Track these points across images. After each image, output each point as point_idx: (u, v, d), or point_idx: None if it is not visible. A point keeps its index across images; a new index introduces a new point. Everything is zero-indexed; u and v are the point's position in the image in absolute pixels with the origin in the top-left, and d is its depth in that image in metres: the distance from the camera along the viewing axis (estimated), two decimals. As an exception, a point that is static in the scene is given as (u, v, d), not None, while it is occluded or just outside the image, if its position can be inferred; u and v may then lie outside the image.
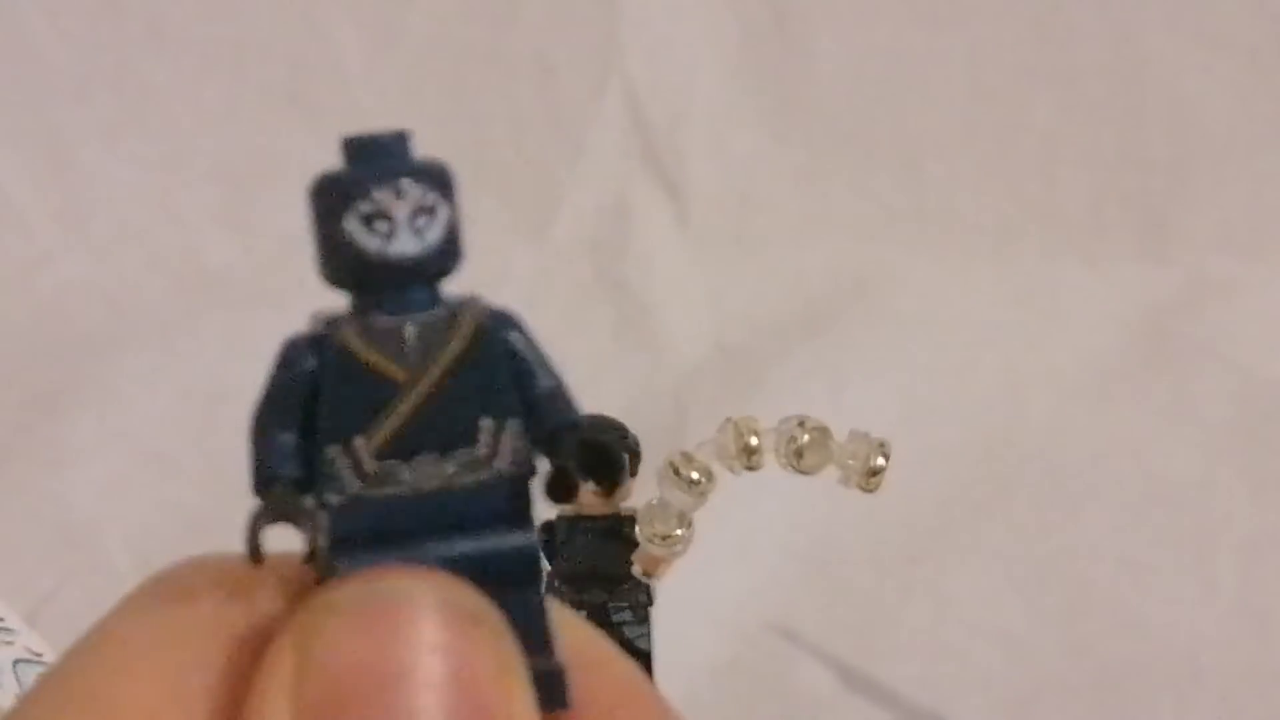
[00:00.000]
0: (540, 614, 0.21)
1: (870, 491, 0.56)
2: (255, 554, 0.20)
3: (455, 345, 0.21)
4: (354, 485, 0.21)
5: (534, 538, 0.21)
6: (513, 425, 0.21)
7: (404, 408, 0.21)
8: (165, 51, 0.74)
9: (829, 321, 0.69)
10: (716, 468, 0.57)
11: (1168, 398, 0.66)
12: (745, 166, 0.74)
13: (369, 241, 0.21)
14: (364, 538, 0.21)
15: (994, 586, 0.57)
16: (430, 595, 0.20)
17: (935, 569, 0.58)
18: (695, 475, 0.55)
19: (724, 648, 0.54)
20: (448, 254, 0.22)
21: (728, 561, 0.56)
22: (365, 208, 0.21)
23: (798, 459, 0.56)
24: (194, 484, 0.61)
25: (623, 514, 0.42)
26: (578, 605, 0.41)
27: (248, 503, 0.21)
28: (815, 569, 0.58)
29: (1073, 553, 0.58)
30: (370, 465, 0.21)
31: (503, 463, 0.21)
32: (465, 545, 0.21)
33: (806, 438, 0.57)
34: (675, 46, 0.75)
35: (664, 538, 0.41)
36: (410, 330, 0.21)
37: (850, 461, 0.57)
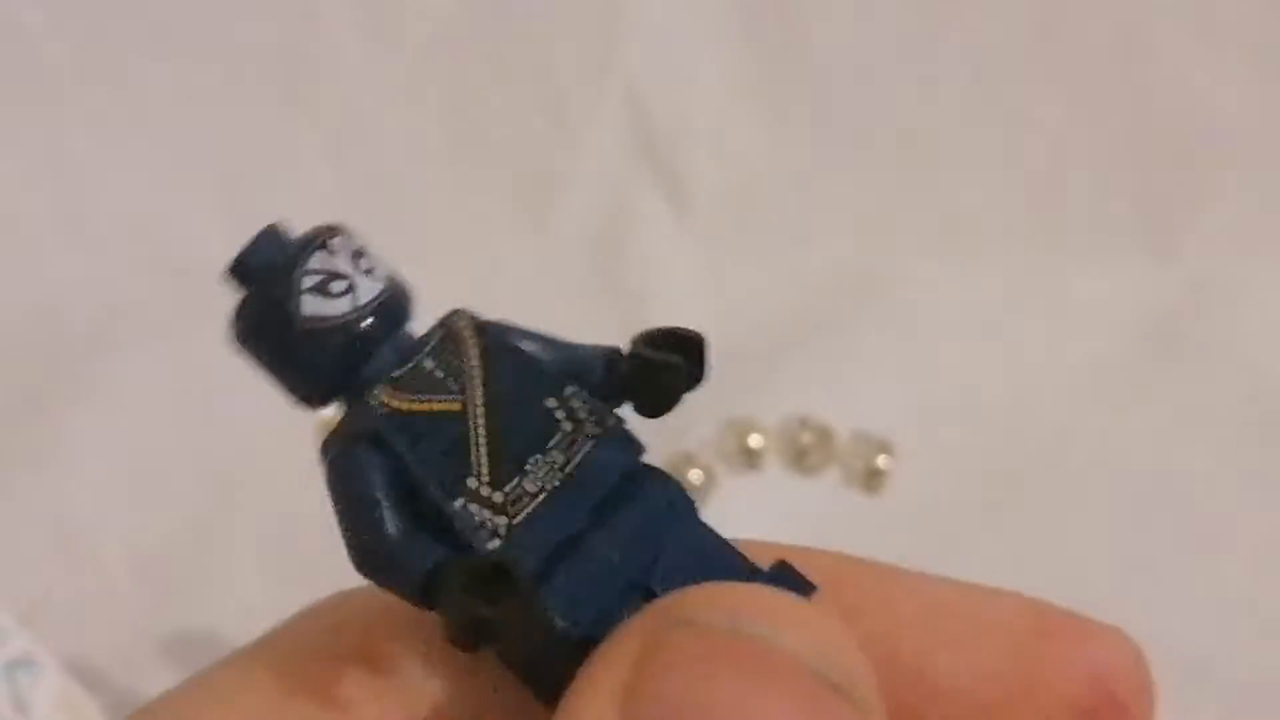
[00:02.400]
0: (714, 533, 0.21)
1: (873, 492, 0.55)
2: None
3: (474, 352, 0.20)
4: (500, 521, 0.19)
5: (671, 479, 0.21)
6: (571, 390, 0.21)
7: (480, 430, 0.20)
8: (162, 48, 0.73)
9: (831, 320, 0.69)
10: (717, 468, 0.56)
11: (1176, 397, 0.66)
12: (747, 163, 0.74)
13: (338, 307, 0.20)
14: (543, 568, 0.19)
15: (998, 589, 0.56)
16: (807, 657, 0.17)
17: (939, 571, 0.57)
18: (696, 475, 0.55)
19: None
20: (404, 283, 0.21)
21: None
22: (311, 280, 0.20)
23: (799, 459, 0.56)
24: (190, 486, 0.60)
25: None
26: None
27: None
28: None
29: (1079, 554, 0.58)
30: (497, 496, 0.20)
31: (593, 427, 0.21)
32: (623, 518, 0.20)
33: (808, 438, 0.56)
34: (676, 42, 0.74)
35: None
36: (429, 364, 0.20)
37: (852, 462, 0.56)
